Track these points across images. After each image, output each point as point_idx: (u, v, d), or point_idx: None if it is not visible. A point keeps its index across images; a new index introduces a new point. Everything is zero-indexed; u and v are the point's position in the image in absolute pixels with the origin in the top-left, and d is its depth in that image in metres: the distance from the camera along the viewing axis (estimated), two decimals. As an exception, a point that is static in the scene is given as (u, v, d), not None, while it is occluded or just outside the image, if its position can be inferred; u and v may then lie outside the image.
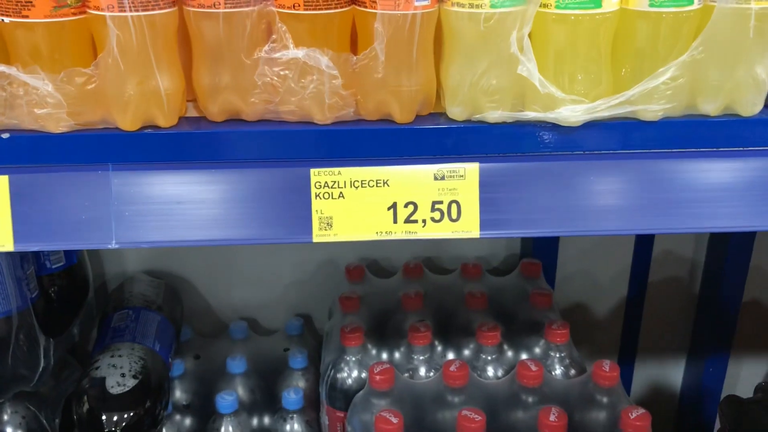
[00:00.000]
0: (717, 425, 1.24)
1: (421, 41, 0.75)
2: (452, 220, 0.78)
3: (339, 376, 1.17)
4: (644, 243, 1.44)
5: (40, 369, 1.12)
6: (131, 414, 1.06)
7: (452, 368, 1.04)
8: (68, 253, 1.25)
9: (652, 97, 0.76)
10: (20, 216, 0.75)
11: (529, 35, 0.74)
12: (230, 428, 1.16)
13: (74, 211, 0.75)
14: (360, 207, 0.78)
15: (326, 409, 1.19)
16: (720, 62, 0.76)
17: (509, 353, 1.21)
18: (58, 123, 0.74)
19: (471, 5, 0.73)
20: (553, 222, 0.78)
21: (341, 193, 0.77)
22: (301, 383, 1.27)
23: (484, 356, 1.17)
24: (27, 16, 0.71)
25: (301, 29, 0.74)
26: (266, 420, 1.24)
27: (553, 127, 0.76)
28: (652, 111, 0.76)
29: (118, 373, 1.08)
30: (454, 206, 0.78)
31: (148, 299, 1.29)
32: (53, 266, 1.23)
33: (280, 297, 1.46)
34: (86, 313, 1.29)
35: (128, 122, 0.75)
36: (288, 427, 1.21)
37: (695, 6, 0.75)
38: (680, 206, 0.79)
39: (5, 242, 0.75)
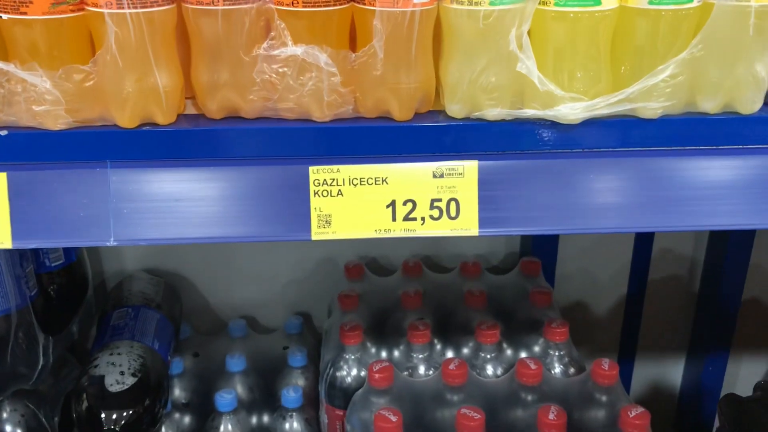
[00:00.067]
0: (716, 424, 1.24)
1: (420, 38, 0.75)
2: (451, 218, 0.78)
3: (338, 374, 1.17)
4: (644, 241, 1.44)
5: (39, 367, 1.12)
6: (130, 412, 1.06)
7: (451, 366, 1.04)
8: (67, 251, 1.25)
9: (651, 95, 0.76)
10: (18, 213, 0.75)
11: (528, 33, 0.74)
12: (229, 426, 1.16)
13: (72, 209, 0.75)
14: (359, 205, 0.77)
15: (325, 407, 1.19)
16: (719, 60, 0.76)
17: (508, 352, 1.21)
18: (57, 120, 0.74)
19: (470, 2, 0.73)
20: (553, 220, 0.78)
21: (340, 190, 0.77)
22: (301, 381, 1.27)
23: (483, 354, 1.17)
24: (25, 13, 0.71)
25: (300, 26, 0.74)
26: (265, 418, 1.24)
27: (552, 124, 0.76)
28: (652, 109, 0.76)
29: (117, 371, 1.08)
30: (452, 204, 0.78)
31: (147, 297, 1.29)
32: (52, 264, 1.23)
33: (280, 295, 1.46)
34: (85, 311, 1.30)
35: (126, 119, 0.75)
36: (287, 425, 1.21)
37: (695, 3, 0.75)
38: (679, 204, 0.78)
39: (3, 239, 0.75)
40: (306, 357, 1.28)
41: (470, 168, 0.77)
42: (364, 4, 0.73)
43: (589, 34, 0.74)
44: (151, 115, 0.76)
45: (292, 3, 0.73)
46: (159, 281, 1.36)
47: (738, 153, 0.79)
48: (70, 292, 1.27)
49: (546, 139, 0.77)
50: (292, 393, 1.18)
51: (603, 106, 0.75)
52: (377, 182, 0.77)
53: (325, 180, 0.77)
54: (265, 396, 1.26)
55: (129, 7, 0.71)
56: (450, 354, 1.22)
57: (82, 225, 0.75)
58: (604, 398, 1.05)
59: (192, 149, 0.76)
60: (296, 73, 0.75)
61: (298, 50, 0.74)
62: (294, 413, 1.20)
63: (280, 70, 0.75)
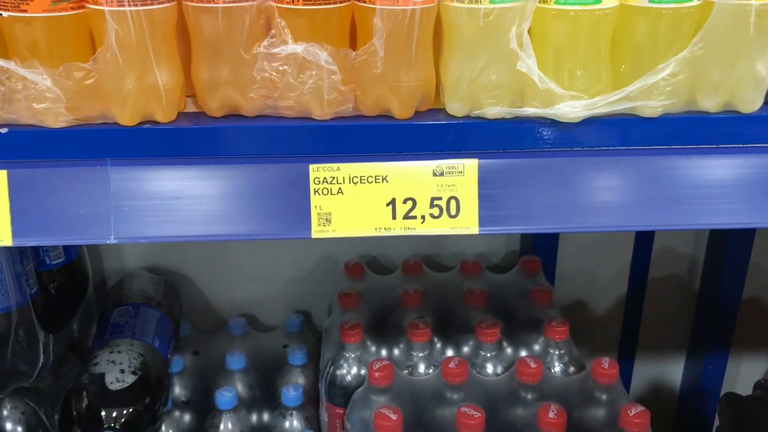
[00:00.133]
0: (716, 422, 1.24)
1: (421, 37, 0.75)
2: (451, 217, 0.78)
3: (338, 372, 1.17)
4: (644, 240, 1.44)
5: (40, 365, 1.12)
6: (130, 410, 1.06)
7: (451, 365, 1.04)
8: (67, 249, 1.25)
9: (651, 94, 0.76)
10: (19, 211, 0.75)
11: (529, 31, 0.74)
12: (229, 424, 1.16)
13: (73, 206, 0.75)
14: (359, 203, 0.77)
15: (325, 405, 1.19)
16: (720, 59, 0.76)
17: (508, 350, 1.21)
18: (57, 118, 0.74)
19: (470, 1, 0.73)
20: (553, 218, 0.78)
21: (340, 188, 0.77)
22: (301, 380, 1.27)
23: (483, 353, 1.17)
24: (25, 11, 0.71)
25: (300, 24, 0.74)
26: (265, 416, 1.25)
27: (553, 123, 0.76)
28: (652, 107, 0.76)
29: (117, 369, 1.08)
30: (453, 202, 0.78)
31: (147, 295, 1.29)
32: (53, 262, 1.23)
33: (280, 293, 1.46)
34: (85, 309, 1.30)
35: (127, 117, 0.75)
36: (287, 423, 1.21)
37: (695, 2, 0.75)
38: (680, 203, 0.78)
39: (4, 237, 0.75)
40: (306, 355, 1.28)
41: (470, 166, 0.77)
42: (365, 2, 0.73)
43: (589, 33, 0.74)
44: (151, 113, 0.76)
45: (293, 1, 0.73)
46: (159, 279, 1.36)
47: (738, 152, 0.78)
48: (71, 290, 1.27)
49: (546, 137, 0.77)
50: (292, 391, 1.18)
51: (603, 104, 0.75)
52: (377, 180, 0.77)
53: (325, 178, 0.77)
54: (265, 394, 1.26)
55: (129, 5, 0.71)
56: (450, 352, 1.22)
57: (82, 222, 0.75)
58: (604, 397, 1.05)
59: (192, 147, 0.76)
60: (296, 71, 0.75)
61: (298, 48, 0.74)
62: (294, 411, 1.20)
63: (281, 68, 0.75)
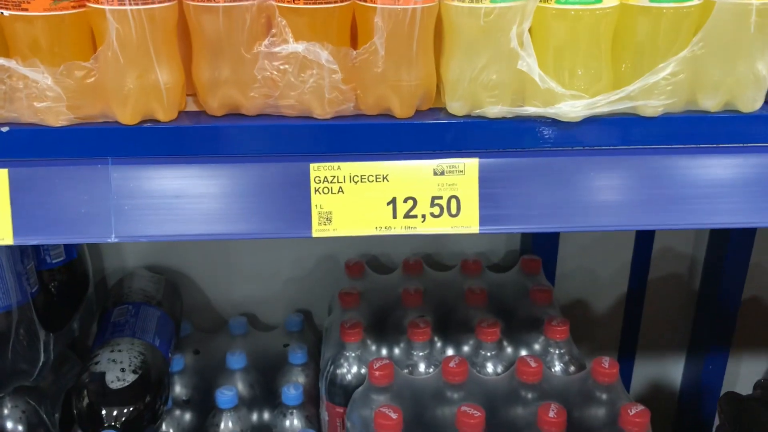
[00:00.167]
0: (716, 422, 1.24)
1: (421, 36, 0.75)
2: (452, 216, 0.78)
3: (339, 371, 1.17)
4: (644, 240, 1.44)
5: (40, 363, 1.12)
6: (131, 409, 1.06)
7: (452, 364, 1.04)
8: (68, 248, 1.25)
9: (652, 93, 0.76)
10: (20, 209, 0.75)
11: (529, 30, 0.74)
12: (230, 423, 1.16)
13: (74, 205, 0.75)
14: (359, 202, 0.78)
15: (326, 404, 1.19)
16: (720, 58, 0.76)
17: (509, 350, 1.21)
18: (58, 116, 0.74)
19: (471, 0, 0.73)
20: (553, 217, 0.78)
21: (341, 187, 0.77)
22: (301, 379, 1.27)
23: (483, 352, 1.17)
24: (26, 9, 0.71)
25: (301, 23, 0.74)
26: (266, 415, 1.25)
27: (553, 122, 0.76)
28: (652, 107, 0.76)
29: (117, 368, 1.08)
30: (453, 201, 0.78)
31: (147, 294, 1.29)
32: (53, 261, 1.23)
33: (280, 293, 1.46)
34: (86, 308, 1.30)
35: (128, 116, 0.75)
36: (288, 422, 1.21)
37: (695, 1, 0.75)
38: (680, 202, 0.79)
39: (5, 236, 0.75)
40: (306, 354, 1.28)
41: (471, 165, 0.77)
42: (366, 1, 0.73)
43: (590, 32, 0.74)
44: (152, 111, 0.76)
45: (294, 0, 0.73)
46: (160, 278, 1.36)
47: (738, 151, 0.79)
48: (71, 289, 1.27)
49: (547, 136, 0.77)
50: (292, 390, 1.18)
51: (604, 104, 0.75)
52: (378, 179, 0.77)
53: (325, 177, 0.77)
54: (265, 393, 1.26)
55: (130, 4, 0.71)
56: (450, 352, 1.22)
57: (83, 221, 0.75)
58: (604, 396, 1.05)
59: (193, 146, 0.76)
60: (297, 70, 0.75)
61: (299, 47, 0.74)
62: (294, 410, 1.20)
63: (282, 67, 0.75)
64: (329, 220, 0.78)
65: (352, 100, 0.77)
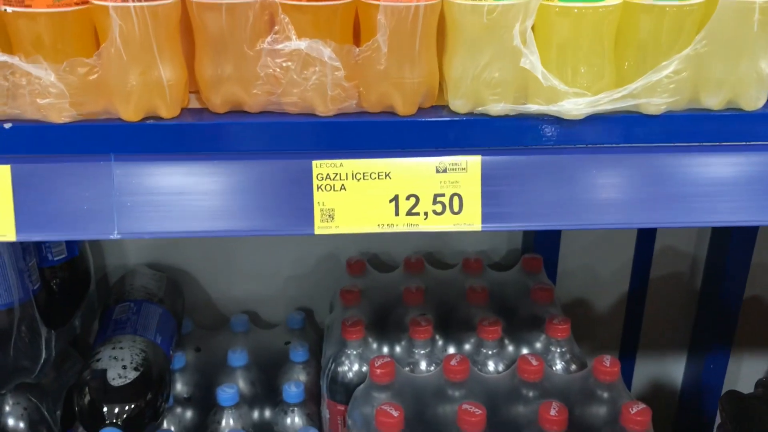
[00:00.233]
0: (717, 420, 1.24)
1: (424, 33, 0.75)
2: (454, 213, 0.78)
3: (340, 369, 1.17)
4: (646, 238, 1.44)
5: (42, 361, 1.12)
6: (132, 406, 1.06)
7: (453, 362, 1.04)
8: (70, 246, 1.25)
9: (654, 91, 0.76)
10: (22, 206, 0.75)
11: (532, 28, 0.74)
12: (231, 421, 1.16)
13: (76, 201, 0.75)
14: (362, 199, 0.78)
15: (327, 402, 1.19)
16: (723, 56, 0.76)
17: (510, 348, 1.21)
18: (61, 113, 0.74)
19: (474, -3, 0.73)
20: (555, 215, 0.78)
21: (343, 185, 0.77)
22: (302, 376, 1.27)
23: (484, 351, 1.17)
24: (30, 6, 0.71)
25: (304, 20, 0.74)
26: (267, 413, 1.25)
27: (556, 120, 0.76)
28: (655, 105, 0.76)
29: (119, 365, 1.08)
30: (456, 199, 0.78)
31: (149, 292, 1.29)
32: (55, 258, 1.23)
33: (281, 290, 1.46)
34: (88, 306, 1.30)
35: (130, 113, 0.75)
36: (289, 420, 1.21)
37: (699, -1, 0.75)
38: (682, 200, 0.79)
39: (7, 232, 0.75)
40: (308, 352, 1.28)
41: (473, 163, 0.77)
42: (369, -2, 0.73)
43: (593, 30, 0.74)
44: (155, 108, 0.76)
45: (297, -3, 0.73)
46: (161, 276, 1.36)
47: (741, 149, 0.79)
48: (73, 286, 1.27)
49: (549, 134, 0.77)
50: (293, 388, 1.18)
51: (606, 101, 0.75)
52: (380, 177, 0.77)
53: (328, 174, 0.77)
54: (266, 391, 1.27)
55: (133, 1, 0.71)
56: (451, 350, 1.22)
57: (85, 218, 0.75)
58: (605, 395, 1.05)
59: (196, 143, 0.76)
60: (300, 67, 0.75)
61: (302, 44, 0.74)
62: (295, 408, 1.21)
63: (284, 64, 0.75)
64: (331, 217, 0.78)
65: (355, 98, 0.77)
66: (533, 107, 0.75)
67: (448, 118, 0.77)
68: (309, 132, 0.77)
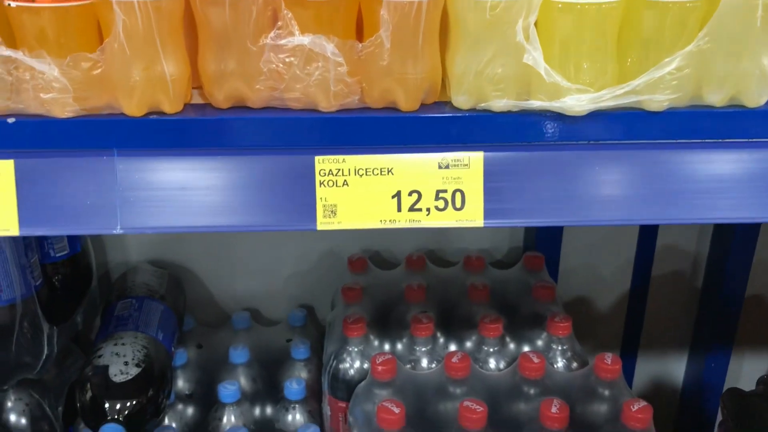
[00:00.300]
0: (719, 417, 1.24)
1: (427, 29, 0.75)
2: (456, 209, 0.78)
3: (341, 366, 1.17)
4: (647, 236, 1.44)
5: (44, 357, 1.12)
6: (134, 402, 1.06)
7: (454, 359, 1.04)
8: (72, 242, 1.25)
9: (657, 87, 0.76)
10: (26, 200, 0.75)
11: (535, 24, 0.74)
12: (232, 418, 1.16)
13: (79, 196, 0.75)
14: (364, 195, 0.78)
15: (328, 399, 1.19)
16: (726, 53, 0.76)
17: (511, 345, 1.21)
18: (64, 108, 0.74)
19: (477, -7, 0.73)
20: (557, 211, 0.78)
21: (345, 180, 0.77)
22: (304, 373, 1.27)
23: (486, 348, 1.17)
24: (34, 1, 0.71)
25: (307, 16, 0.74)
26: (268, 410, 1.25)
27: (558, 116, 0.76)
28: (658, 101, 0.76)
29: (121, 362, 1.08)
30: (458, 195, 0.78)
31: (151, 289, 1.29)
32: (57, 255, 1.23)
33: (283, 288, 1.46)
34: (89, 302, 1.30)
35: (134, 108, 0.75)
36: (290, 417, 1.21)
37: (702, -4, 0.75)
38: (684, 197, 0.79)
39: (10, 226, 0.75)
40: (309, 349, 1.28)
41: (476, 159, 0.77)
42: (372, -6, 0.73)
43: (595, 26, 0.74)
44: (158, 103, 0.76)
45: (300, -7, 0.73)
46: (163, 273, 1.36)
47: (743, 146, 0.79)
48: (75, 282, 1.27)
49: (552, 130, 0.77)
50: (295, 385, 1.18)
51: (609, 98, 0.75)
52: (383, 173, 0.77)
53: (330, 170, 0.77)
54: (268, 388, 1.27)
55: (137, -5, 0.71)
56: (453, 347, 1.22)
57: (88, 213, 0.76)
58: (606, 392, 1.05)
59: (198, 138, 0.76)
60: (303, 62, 0.75)
61: (305, 40, 0.74)
62: (297, 405, 1.21)
63: (287, 59, 0.75)
64: (334, 213, 0.78)
65: (358, 93, 0.77)
66: (536, 103, 0.75)
67: (450, 114, 0.77)
68: (312, 127, 0.77)
